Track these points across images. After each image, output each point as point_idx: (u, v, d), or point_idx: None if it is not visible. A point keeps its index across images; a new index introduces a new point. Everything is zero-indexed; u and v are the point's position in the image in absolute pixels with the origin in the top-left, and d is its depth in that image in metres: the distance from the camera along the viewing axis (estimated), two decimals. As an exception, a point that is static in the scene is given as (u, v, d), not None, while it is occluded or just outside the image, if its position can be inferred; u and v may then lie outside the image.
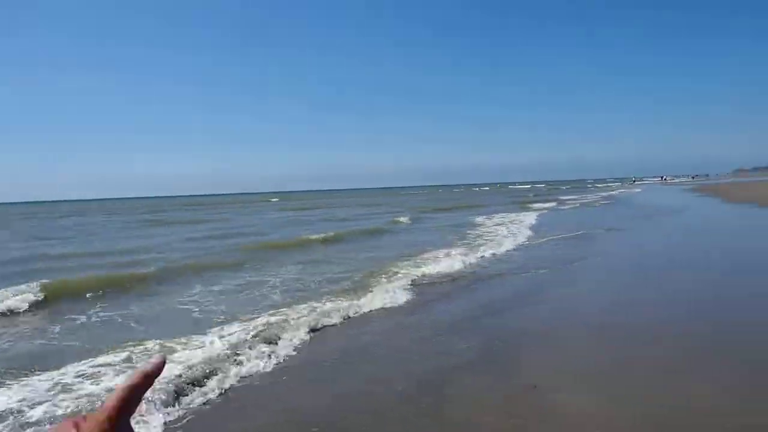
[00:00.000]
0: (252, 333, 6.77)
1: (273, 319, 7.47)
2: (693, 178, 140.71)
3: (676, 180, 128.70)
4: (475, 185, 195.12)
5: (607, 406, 4.40)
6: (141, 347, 6.44)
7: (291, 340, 6.56)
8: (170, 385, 5.02)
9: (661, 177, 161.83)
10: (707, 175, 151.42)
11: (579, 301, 8.29)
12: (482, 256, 12.75)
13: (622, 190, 64.79)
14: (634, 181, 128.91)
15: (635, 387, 4.74)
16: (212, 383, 5.26)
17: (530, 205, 38.08)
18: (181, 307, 8.97)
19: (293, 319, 7.42)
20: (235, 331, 6.93)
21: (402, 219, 26.86)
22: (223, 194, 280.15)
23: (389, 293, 8.84)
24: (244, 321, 7.50)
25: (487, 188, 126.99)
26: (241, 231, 25.16)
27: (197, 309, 8.66)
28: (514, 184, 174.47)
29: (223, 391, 5.18)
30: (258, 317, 7.66)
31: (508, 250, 13.61)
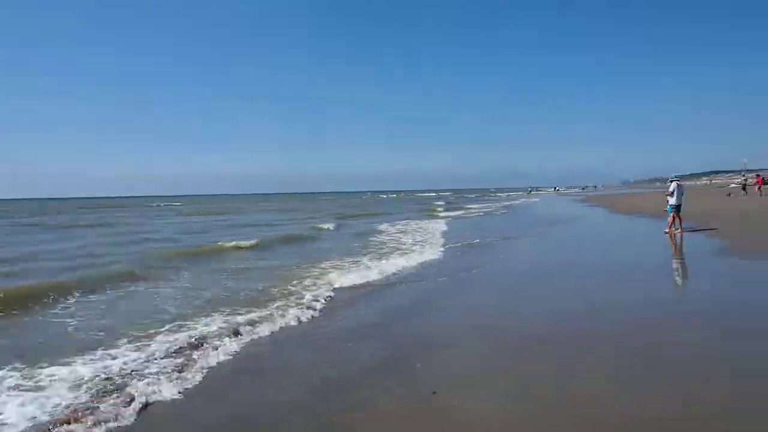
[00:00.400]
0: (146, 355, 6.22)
1: (179, 336, 6.95)
2: (583, 189, 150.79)
3: (569, 191, 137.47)
4: (382, 192, 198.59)
5: (506, 409, 4.51)
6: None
7: (200, 358, 6.11)
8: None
9: (555, 188, 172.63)
10: (596, 187, 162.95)
11: (477, 307, 8.49)
12: (392, 264, 12.75)
13: (523, 200, 67.99)
14: (530, 191, 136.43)
15: (531, 389, 4.89)
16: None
17: (438, 213, 39.04)
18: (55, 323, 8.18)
19: (198, 336, 6.95)
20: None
21: (324, 225, 26.48)
22: (123, 197, 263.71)
23: (298, 303, 8.64)
24: (134, 340, 6.91)
25: (393, 195, 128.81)
26: (148, 237, 23.75)
27: (72, 327, 7.90)
28: (421, 192, 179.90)
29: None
30: (156, 333, 7.11)
31: (416, 259, 13.68)
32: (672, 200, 17.13)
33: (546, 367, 5.41)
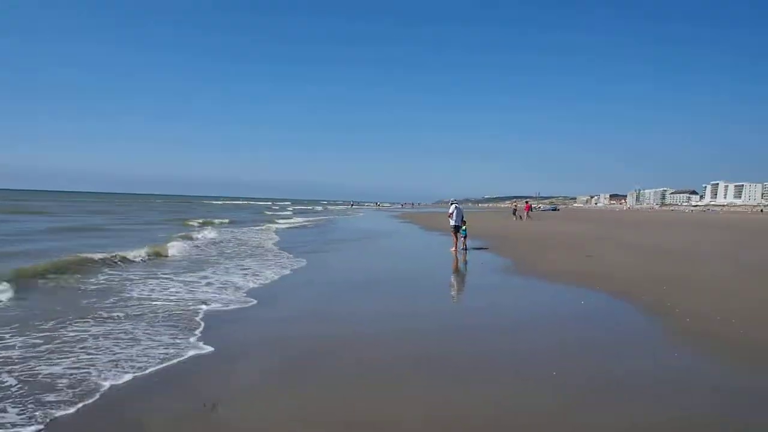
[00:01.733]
0: None
1: None
2: (402, 205, 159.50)
3: (390, 206, 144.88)
4: (207, 197, 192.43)
5: (288, 420, 4.70)
6: None
7: None
8: None
9: (376, 203, 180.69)
10: (413, 204, 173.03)
11: (267, 318, 8.71)
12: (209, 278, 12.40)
13: (348, 215, 69.61)
14: (353, 205, 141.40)
15: (317, 399, 5.19)
16: None
17: (276, 222, 38.78)
18: None
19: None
20: None
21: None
22: None
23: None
24: None
25: (219, 202, 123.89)
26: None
27: None
28: (256, 199, 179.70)
29: None
30: None
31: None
32: (452, 221, 18.99)
33: (336, 378, 5.75)
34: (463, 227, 19.06)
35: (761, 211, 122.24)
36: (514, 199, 62.87)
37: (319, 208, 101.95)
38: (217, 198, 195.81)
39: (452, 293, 12.09)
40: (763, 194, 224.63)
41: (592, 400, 5.18)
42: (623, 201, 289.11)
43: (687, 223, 47.73)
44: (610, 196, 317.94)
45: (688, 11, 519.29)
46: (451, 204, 19.86)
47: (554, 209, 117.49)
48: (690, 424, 4.67)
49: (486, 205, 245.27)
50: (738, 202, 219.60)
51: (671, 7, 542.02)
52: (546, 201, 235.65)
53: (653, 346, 7.08)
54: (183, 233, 22.87)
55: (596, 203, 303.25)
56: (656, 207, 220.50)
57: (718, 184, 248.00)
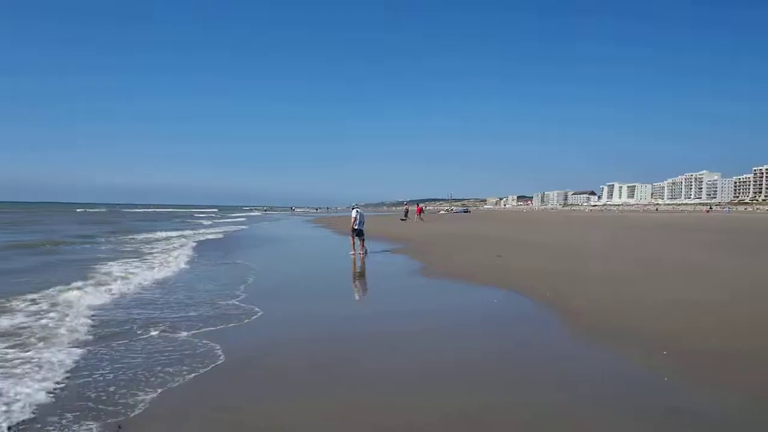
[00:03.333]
0: None
1: None
2: (317, 209, 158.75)
3: (302, 211, 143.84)
4: (130, 205, 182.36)
5: None
6: None
7: None
8: None
9: (291, 208, 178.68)
10: (328, 208, 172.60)
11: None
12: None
13: (263, 222, 67.95)
14: (266, 211, 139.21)
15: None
16: None
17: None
18: None
19: None
20: None
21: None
22: None
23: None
24: None
25: (103, 210, 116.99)
26: None
27: None
28: (179, 206, 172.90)
29: None
30: None
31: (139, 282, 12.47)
32: (356, 225, 19.28)
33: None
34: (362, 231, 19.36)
35: (656, 209, 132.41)
36: (406, 203, 64.54)
37: (236, 214, 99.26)
38: (143, 206, 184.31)
39: (357, 297, 11.87)
40: (652, 194, 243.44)
41: (503, 394, 5.13)
42: (530, 202, 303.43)
43: (588, 222, 50.56)
44: (518, 197, 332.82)
45: (592, 30, 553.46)
46: (353, 209, 19.96)
47: (466, 211, 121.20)
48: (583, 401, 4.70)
49: (396, 208, 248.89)
50: (631, 201, 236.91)
51: (581, 27, 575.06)
52: (458, 203, 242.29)
53: (561, 340, 7.21)
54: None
55: (505, 204, 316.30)
56: (559, 207, 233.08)
57: (613, 185, 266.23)
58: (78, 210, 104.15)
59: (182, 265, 15.76)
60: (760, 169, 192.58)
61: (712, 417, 4.74)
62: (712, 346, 6.69)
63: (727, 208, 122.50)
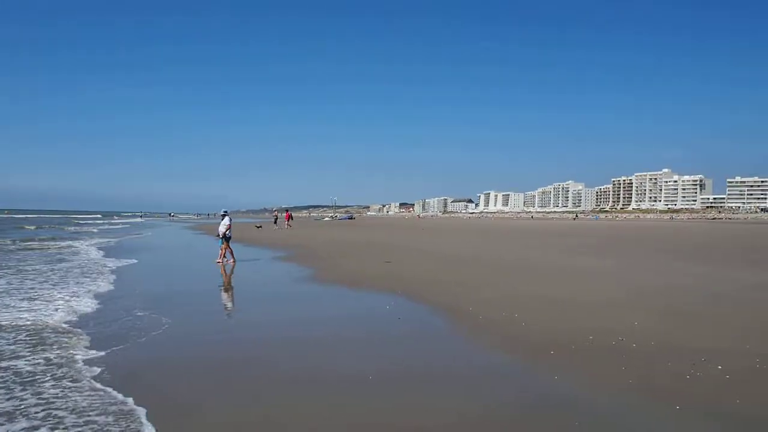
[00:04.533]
0: None
1: None
2: (197, 216, 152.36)
3: (185, 217, 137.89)
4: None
5: None
6: None
7: None
8: None
9: (169, 213, 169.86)
10: (208, 215, 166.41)
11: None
12: None
13: (142, 227, 63.60)
14: (142, 216, 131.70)
15: None
16: None
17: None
18: None
19: None
20: None
21: None
22: None
23: None
24: None
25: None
26: None
27: None
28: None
29: None
30: None
31: None
32: (228, 232, 18.39)
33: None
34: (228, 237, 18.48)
35: (531, 217, 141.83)
36: (275, 210, 64.31)
37: (117, 218, 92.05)
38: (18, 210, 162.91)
39: (230, 306, 11.41)
40: (525, 202, 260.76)
41: (406, 397, 5.11)
42: (411, 209, 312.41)
43: (469, 229, 52.95)
44: (400, 204, 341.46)
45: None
46: (222, 215, 19.00)
47: (350, 218, 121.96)
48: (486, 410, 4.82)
49: (267, 214, 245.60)
50: (506, 209, 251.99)
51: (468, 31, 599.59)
52: (342, 210, 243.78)
53: (456, 344, 7.37)
54: None
55: (388, 211, 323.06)
56: (440, 214, 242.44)
57: (489, 193, 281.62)
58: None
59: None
60: (618, 180, 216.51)
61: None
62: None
63: (596, 216, 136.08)
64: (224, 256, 18.15)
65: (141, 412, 4.89)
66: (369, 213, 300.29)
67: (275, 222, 51.69)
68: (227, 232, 18.29)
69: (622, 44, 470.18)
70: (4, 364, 6.35)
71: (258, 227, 48.20)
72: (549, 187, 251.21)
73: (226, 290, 13.19)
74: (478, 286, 12.15)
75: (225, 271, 16.40)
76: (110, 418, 4.72)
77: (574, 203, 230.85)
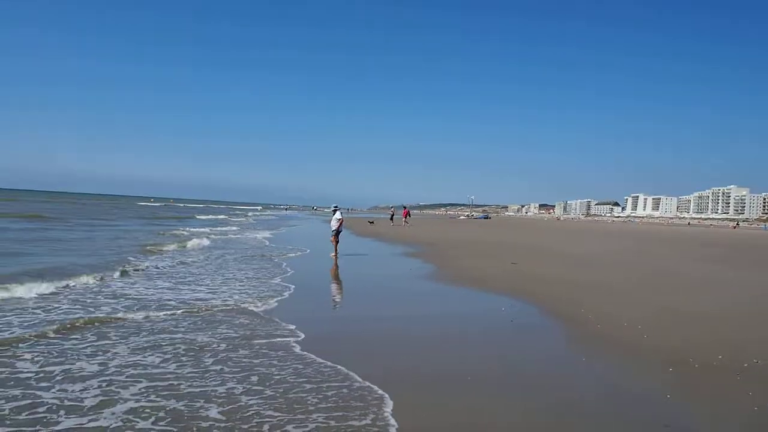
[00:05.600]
0: None
1: None
2: (314, 209, 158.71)
3: (326, 210, 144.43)
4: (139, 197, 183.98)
5: None
6: None
7: None
8: None
9: (312, 207, 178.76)
10: (348, 209, 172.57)
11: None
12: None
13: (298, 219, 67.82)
14: (287, 209, 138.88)
15: None
16: None
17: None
18: None
19: None
20: None
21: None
22: None
23: None
24: None
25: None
26: None
27: None
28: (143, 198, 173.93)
29: None
30: None
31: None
32: (340, 227, 18.42)
33: None
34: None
35: (688, 224, 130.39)
36: (392, 207, 62.84)
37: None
38: (157, 198, 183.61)
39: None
40: (678, 207, 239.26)
41: (507, 399, 5.11)
42: (551, 210, 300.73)
43: (610, 233, 49.91)
44: (540, 205, 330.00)
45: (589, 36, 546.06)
46: (335, 210, 18.92)
47: (486, 217, 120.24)
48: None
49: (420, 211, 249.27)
50: (656, 213, 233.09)
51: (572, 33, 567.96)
52: (479, 209, 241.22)
53: (562, 351, 7.15)
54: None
55: (527, 212, 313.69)
56: (582, 217, 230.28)
57: (638, 196, 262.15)
58: (140, 204, 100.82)
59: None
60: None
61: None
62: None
63: (765, 225, 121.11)
64: (337, 249, 18.17)
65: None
66: (507, 213, 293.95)
67: (391, 218, 51.52)
68: (339, 227, 18.35)
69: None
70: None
71: (371, 222, 49.04)
72: (707, 191, 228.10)
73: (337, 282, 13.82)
74: (603, 294, 11.54)
75: (336, 262, 16.97)
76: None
77: (736, 210, 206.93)
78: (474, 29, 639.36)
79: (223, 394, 5.24)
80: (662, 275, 15.27)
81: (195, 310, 9.02)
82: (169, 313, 8.72)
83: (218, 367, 6.04)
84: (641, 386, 5.82)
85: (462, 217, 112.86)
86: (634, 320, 8.79)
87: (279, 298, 10.39)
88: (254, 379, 5.70)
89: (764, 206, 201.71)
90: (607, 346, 7.37)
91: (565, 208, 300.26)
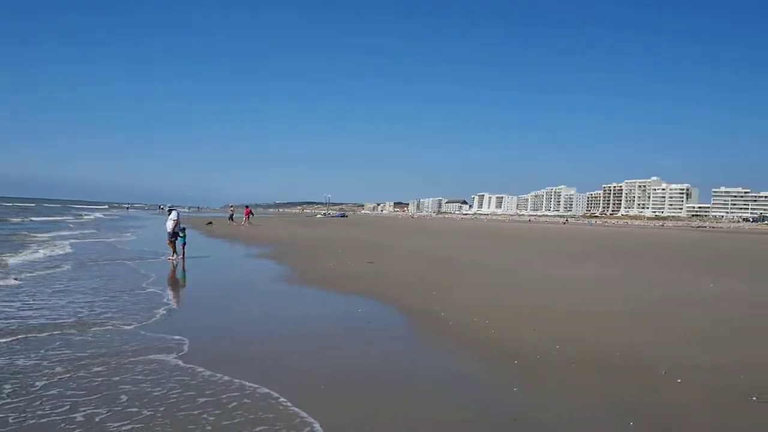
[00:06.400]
0: None
1: None
2: (188, 209, 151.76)
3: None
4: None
5: None
6: None
7: None
8: None
9: (159, 206, 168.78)
10: (198, 208, 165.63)
11: None
12: None
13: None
14: (128, 207, 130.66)
15: None
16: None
17: None
18: None
19: None
20: None
21: None
22: None
23: None
24: None
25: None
26: None
27: None
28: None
29: None
30: None
31: None
32: (176, 228, 17.37)
33: None
34: (182, 235, 17.46)
35: (529, 220, 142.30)
36: (231, 205, 60.15)
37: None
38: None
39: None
40: (517, 205, 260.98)
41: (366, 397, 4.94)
42: (406, 209, 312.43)
43: (461, 230, 52.85)
44: (395, 203, 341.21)
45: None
46: (170, 210, 18.06)
47: (343, 215, 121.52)
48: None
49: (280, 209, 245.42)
50: (499, 211, 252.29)
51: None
52: (336, 207, 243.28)
53: (418, 349, 7.22)
54: None
55: (382, 210, 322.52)
56: (433, 215, 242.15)
57: (483, 195, 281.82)
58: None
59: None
60: (609, 187, 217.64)
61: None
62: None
63: (590, 221, 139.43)
64: (175, 253, 17.14)
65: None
66: (363, 211, 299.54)
67: (231, 218, 48.87)
68: (176, 229, 17.23)
69: (619, 47, 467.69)
70: None
71: (208, 223, 44.61)
72: (542, 191, 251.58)
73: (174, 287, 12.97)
74: (455, 291, 11.96)
75: (174, 266, 16.00)
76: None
77: (566, 207, 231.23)
78: (309, 25, 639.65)
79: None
80: (507, 272, 16.31)
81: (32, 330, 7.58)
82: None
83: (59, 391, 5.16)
84: (489, 378, 6.04)
85: (319, 216, 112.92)
86: (484, 316, 9.16)
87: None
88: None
89: (588, 204, 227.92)
90: (458, 342, 7.58)
91: (418, 206, 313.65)
